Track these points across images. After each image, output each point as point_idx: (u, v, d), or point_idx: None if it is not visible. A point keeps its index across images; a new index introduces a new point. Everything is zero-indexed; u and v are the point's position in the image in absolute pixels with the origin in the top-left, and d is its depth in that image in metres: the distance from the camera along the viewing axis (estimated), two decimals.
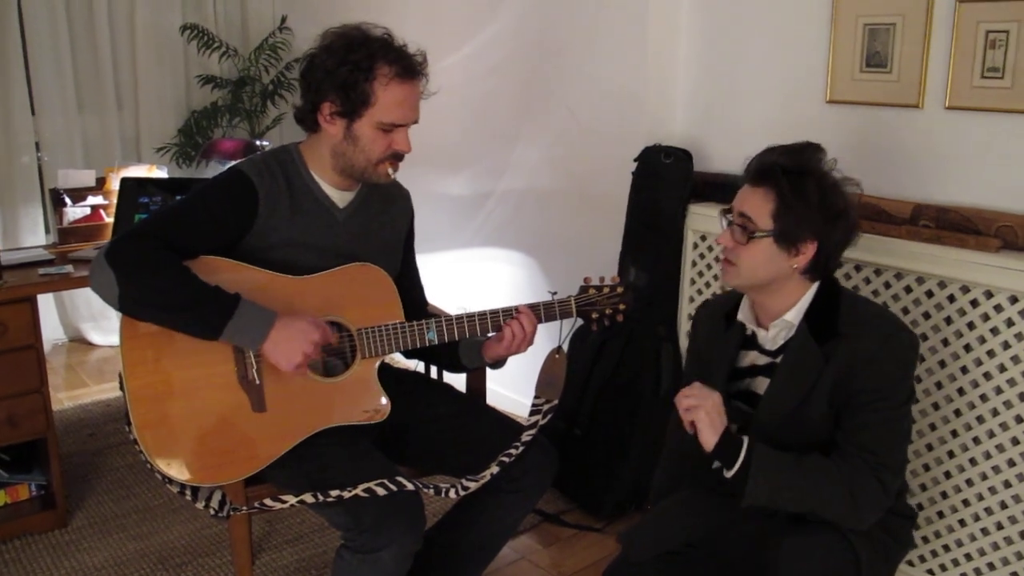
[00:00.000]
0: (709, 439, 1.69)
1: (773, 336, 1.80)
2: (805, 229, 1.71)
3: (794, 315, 1.77)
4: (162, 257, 1.80)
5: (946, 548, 2.25)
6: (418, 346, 1.99)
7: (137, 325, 1.83)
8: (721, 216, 1.82)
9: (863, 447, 1.68)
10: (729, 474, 1.68)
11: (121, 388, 1.86)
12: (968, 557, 2.21)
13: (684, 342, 2.80)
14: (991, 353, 2.11)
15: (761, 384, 1.83)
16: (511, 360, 2.11)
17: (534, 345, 2.04)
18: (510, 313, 2.02)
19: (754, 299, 1.84)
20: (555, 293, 2.06)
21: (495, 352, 2.06)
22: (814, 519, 1.70)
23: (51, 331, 4.44)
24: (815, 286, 1.78)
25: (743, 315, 1.86)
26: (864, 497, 1.66)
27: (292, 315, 1.85)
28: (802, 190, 1.69)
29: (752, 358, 1.86)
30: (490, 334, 2.06)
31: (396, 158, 1.97)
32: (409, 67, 1.92)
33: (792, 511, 1.71)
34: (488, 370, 2.31)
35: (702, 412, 1.69)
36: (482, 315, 2.01)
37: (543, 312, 2.04)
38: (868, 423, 1.69)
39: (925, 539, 2.29)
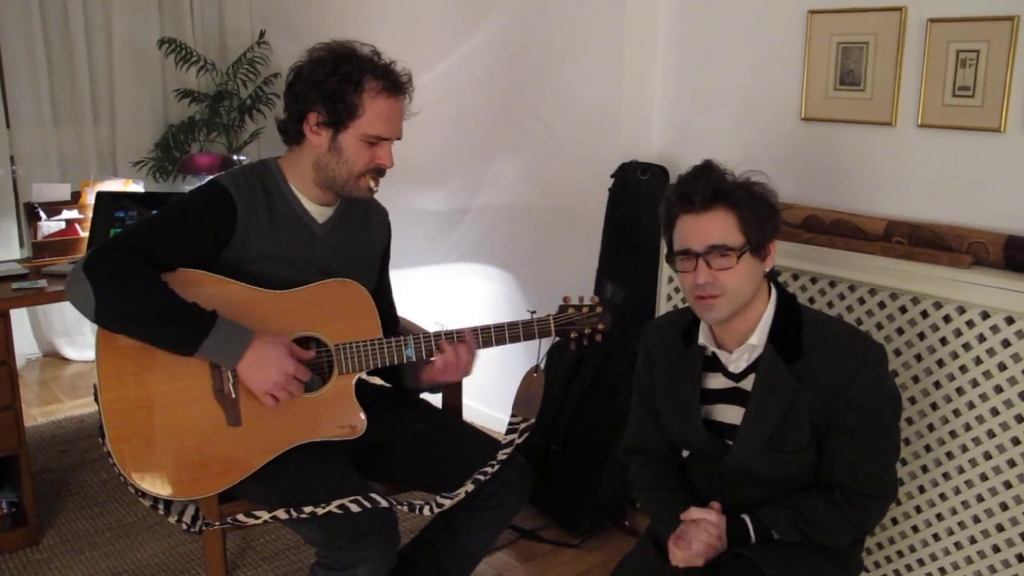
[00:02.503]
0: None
1: (737, 359, 1.77)
2: (767, 230, 1.71)
3: (758, 337, 1.74)
4: (141, 270, 1.80)
5: (920, 562, 2.26)
6: (396, 363, 1.99)
7: (113, 337, 1.82)
8: (677, 261, 1.73)
9: (862, 477, 1.70)
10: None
11: (96, 400, 1.85)
12: (942, 571, 2.23)
13: None
14: (963, 368, 2.13)
15: (722, 411, 1.80)
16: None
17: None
18: (489, 331, 2.02)
19: (724, 325, 1.77)
20: (534, 312, 2.07)
21: (430, 376, 2.06)
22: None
23: (25, 346, 4.40)
24: (773, 302, 1.76)
25: (704, 338, 1.81)
26: (871, 524, 1.76)
27: (270, 337, 1.85)
28: (749, 195, 1.69)
29: (715, 381, 1.82)
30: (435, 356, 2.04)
31: (378, 173, 1.98)
32: (396, 82, 1.95)
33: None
34: (463, 386, 2.31)
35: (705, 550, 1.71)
36: (460, 332, 2.01)
37: (522, 331, 2.04)
38: (861, 449, 1.69)
39: (900, 553, 2.30)
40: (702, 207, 1.68)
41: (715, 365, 1.82)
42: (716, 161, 1.74)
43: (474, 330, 2.02)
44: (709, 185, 1.68)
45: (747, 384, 1.77)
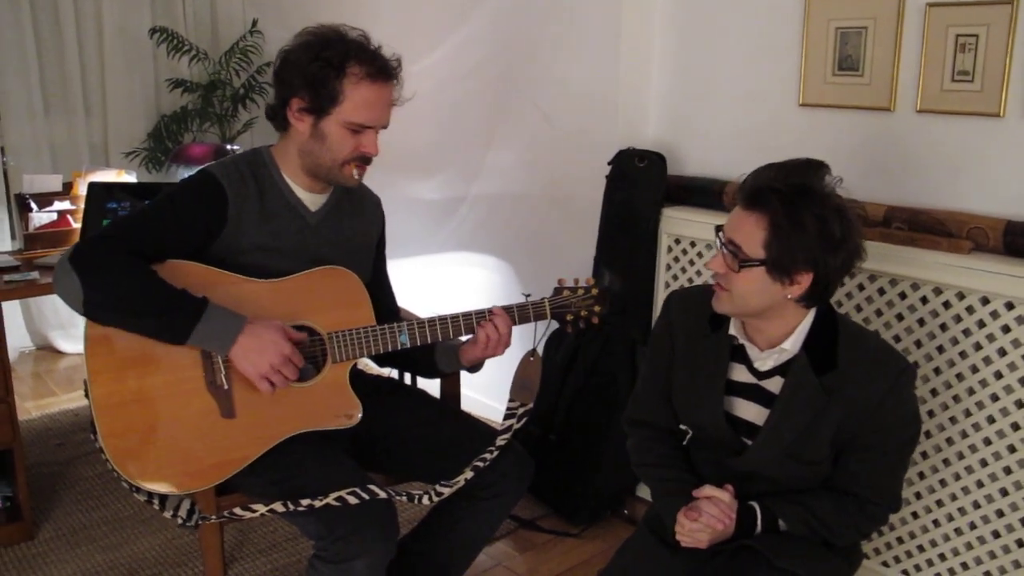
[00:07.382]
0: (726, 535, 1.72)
1: (765, 358, 1.72)
2: (800, 259, 1.57)
3: (792, 343, 1.68)
4: (128, 260, 1.77)
5: (920, 548, 2.26)
6: (390, 349, 1.97)
7: (102, 330, 1.79)
8: (716, 236, 1.68)
9: (875, 489, 1.69)
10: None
11: (86, 396, 1.83)
12: (942, 557, 2.22)
13: None
14: (963, 354, 2.12)
15: (740, 406, 1.76)
16: (486, 365, 2.09)
17: (510, 348, 2.02)
18: (483, 315, 2.00)
19: (747, 321, 1.74)
20: (529, 295, 2.04)
21: (472, 355, 2.03)
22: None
23: (18, 339, 4.37)
24: (812, 313, 1.69)
25: (735, 328, 1.76)
26: (873, 530, 1.78)
27: (263, 322, 1.82)
28: (797, 217, 1.56)
29: (739, 374, 1.77)
30: (464, 337, 2.03)
31: (363, 161, 1.94)
32: (381, 68, 1.90)
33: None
34: (462, 374, 2.29)
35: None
36: (454, 318, 1.99)
37: (517, 314, 2.02)
38: (878, 465, 1.68)
39: (900, 539, 2.30)
40: (744, 204, 1.62)
41: (740, 356, 1.76)
42: (819, 167, 1.63)
43: (468, 315, 2.00)
44: (755, 185, 1.61)
45: (770, 385, 1.72)
